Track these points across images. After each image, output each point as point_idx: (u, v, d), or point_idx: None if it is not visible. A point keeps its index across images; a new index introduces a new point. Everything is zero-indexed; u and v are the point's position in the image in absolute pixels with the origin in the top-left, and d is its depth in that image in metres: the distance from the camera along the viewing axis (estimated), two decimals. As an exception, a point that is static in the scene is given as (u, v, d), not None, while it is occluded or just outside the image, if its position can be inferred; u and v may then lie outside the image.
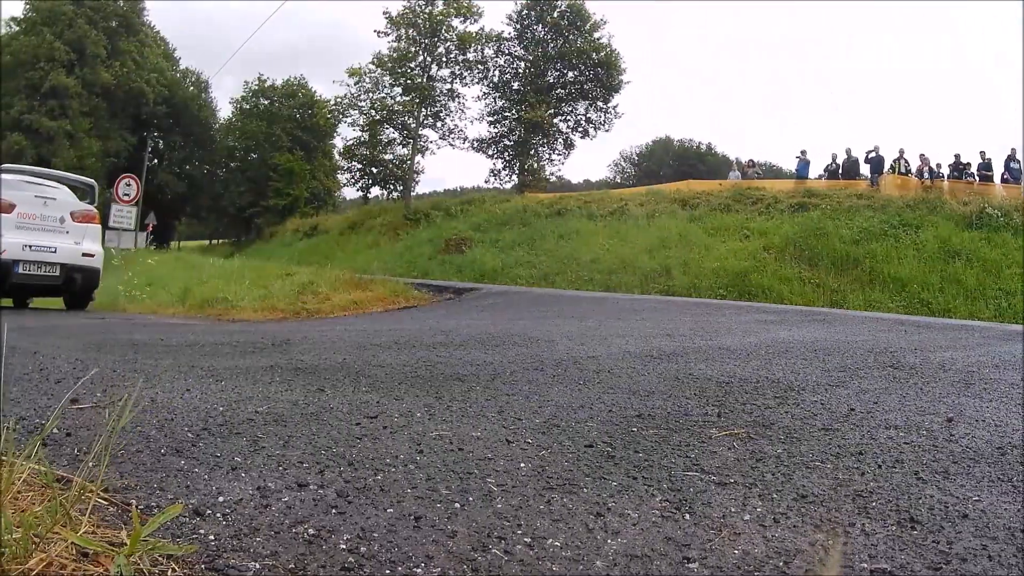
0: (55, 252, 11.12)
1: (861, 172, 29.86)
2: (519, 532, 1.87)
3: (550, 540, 1.83)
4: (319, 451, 2.52)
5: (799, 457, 2.64)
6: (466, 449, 2.63)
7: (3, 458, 1.69)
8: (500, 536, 1.84)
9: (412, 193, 45.22)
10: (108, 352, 5.18)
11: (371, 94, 43.53)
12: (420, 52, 42.45)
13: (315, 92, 59.35)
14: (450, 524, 1.90)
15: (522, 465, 2.46)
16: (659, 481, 2.32)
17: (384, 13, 41.98)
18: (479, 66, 44.07)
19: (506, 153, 45.09)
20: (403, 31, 42.07)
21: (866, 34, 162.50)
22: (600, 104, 45.01)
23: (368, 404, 3.35)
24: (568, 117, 45.58)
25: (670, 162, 74.55)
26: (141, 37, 55.63)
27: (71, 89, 47.83)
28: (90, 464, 1.81)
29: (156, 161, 58.36)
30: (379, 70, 42.71)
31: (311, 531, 1.81)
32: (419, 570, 1.63)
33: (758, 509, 2.09)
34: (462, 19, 42.51)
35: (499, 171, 45.48)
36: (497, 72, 45.02)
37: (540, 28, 44.28)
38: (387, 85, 43.21)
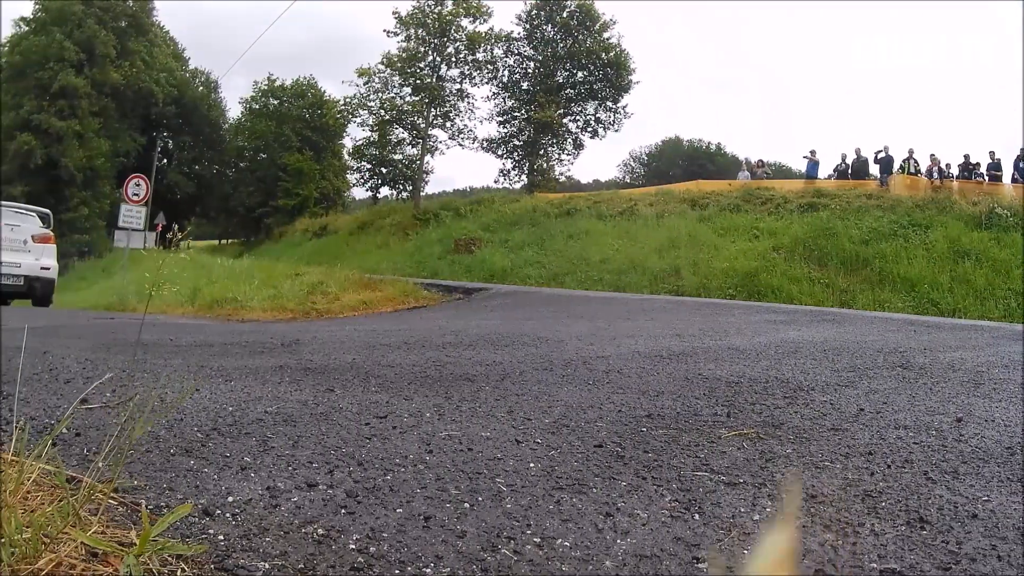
0: (20, 267, 14.28)
1: (870, 172, 29.75)
2: (529, 532, 1.87)
3: (559, 540, 1.83)
4: (328, 451, 2.52)
5: (809, 457, 2.63)
6: (475, 449, 2.63)
7: (14, 458, 1.70)
8: (510, 536, 1.84)
9: (421, 193, 45.20)
10: (118, 352, 5.20)
11: (380, 94, 43.44)
12: (430, 52, 42.37)
13: (324, 92, 59.29)
14: (460, 524, 1.90)
15: (531, 465, 2.46)
16: (669, 481, 2.32)
17: (394, 13, 41.94)
18: (488, 66, 43.97)
19: (515, 153, 45.00)
20: (412, 31, 41.99)
21: (877, 34, 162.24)
22: (610, 104, 44.87)
23: (378, 404, 3.36)
24: (578, 117, 45.46)
25: (680, 162, 74.45)
26: (151, 37, 55.67)
27: (80, 89, 47.91)
28: (100, 464, 1.82)
29: (165, 161, 58.54)
30: (388, 70, 42.59)
31: (320, 531, 1.81)
32: (429, 570, 1.63)
33: (767, 509, 2.09)
34: (471, 19, 42.40)
35: (509, 171, 45.43)
36: (506, 72, 44.94)
37: (550, 28, 44.16)
38: (396, 85, 43.11)
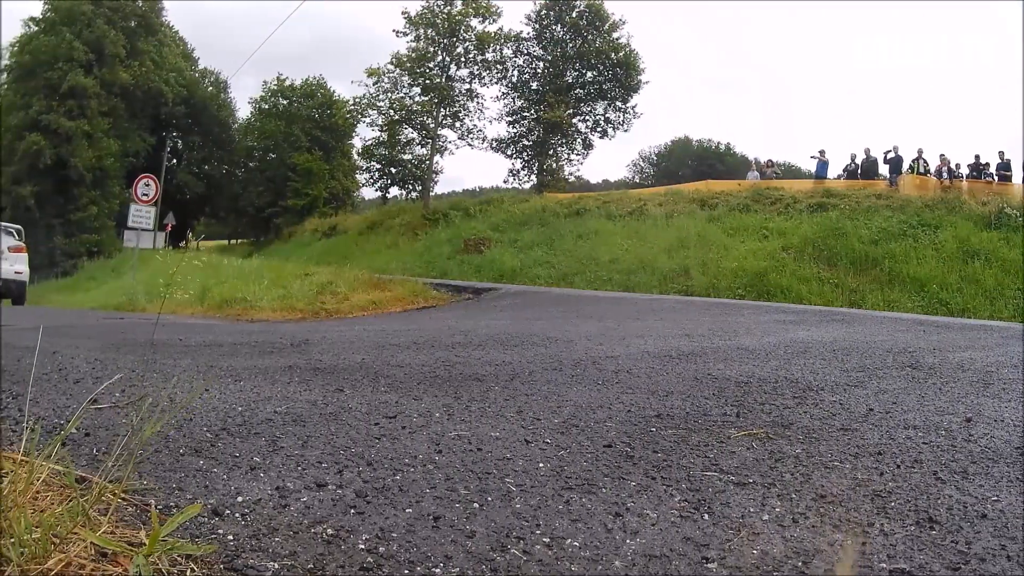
0: None
1: (880, 172, 29.65)
2: (538, 532, 1.87)
3: (569, 540, 1.83)
4: (338, 451, 2.53)
5: (818, 457, 2.62)
6: (485, 449, 2.63)
7: (24, 458, 1.70)
8: (519, 536, 1.84)
9: (431, 193, 45.13)
10: (128, 352, 5.22)
11: (390, 94, 43.33)
12: (439, 52, 42.31)
13: (334, 92, 59.21)
14: (469, 524, 1.91)
15: (541, 465, 2.46)
16: (678, 481, 2.32)
17: (403, 13, 41.82)
18: (498, 66, 43.85)
19: (525, 153, 44.93)
20: (422, 31, 41.92)
21: (886, 34, 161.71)
22: (619, 104, 44.72)
23: (387, 404, 3.36)
24: (587, 117, 45.31)
25: (689, 162, 74.21)
26: (160, 37, 55.67)
27: (90, 89, 47.93)
28: (109, 465, 1.82)
29: (175, 161, 58.54)
30: (398, 70, 42.51)
31: (330, 531, 1.82)
32: (438, 570, 1.64)
33: (777, 509, 2.08)
34: (481, 19, 42.27)
35: (518, 171, 45.34)
36: (516, 72, 44.82)
37: (559, 28, 44.06)
38: (406, 85, 43.00)
